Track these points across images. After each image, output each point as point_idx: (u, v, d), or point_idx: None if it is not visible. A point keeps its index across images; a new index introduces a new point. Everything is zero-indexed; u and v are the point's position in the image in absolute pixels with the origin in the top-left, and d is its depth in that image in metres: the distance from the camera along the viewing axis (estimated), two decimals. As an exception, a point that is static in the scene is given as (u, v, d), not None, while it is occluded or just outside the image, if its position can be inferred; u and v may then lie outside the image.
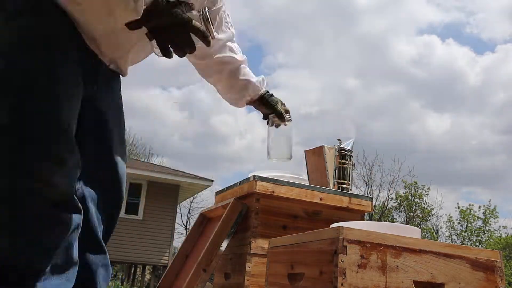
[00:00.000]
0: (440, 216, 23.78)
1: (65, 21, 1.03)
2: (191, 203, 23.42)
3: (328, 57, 34.16)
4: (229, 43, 1.59)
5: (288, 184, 1.94)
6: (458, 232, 21.11)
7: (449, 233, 21.14)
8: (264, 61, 38.23)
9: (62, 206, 0.96)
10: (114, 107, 1.24)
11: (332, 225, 1.27)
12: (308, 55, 33.98)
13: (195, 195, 19.14)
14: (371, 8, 31.66)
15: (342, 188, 2.12)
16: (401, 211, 19.87)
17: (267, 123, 1.74)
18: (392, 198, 19.61)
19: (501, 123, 29.71)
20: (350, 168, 2.18)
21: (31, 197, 0.91)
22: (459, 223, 21.23)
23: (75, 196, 1.01)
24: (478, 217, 20.93)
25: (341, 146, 2.20)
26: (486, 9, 32.93)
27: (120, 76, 1.29)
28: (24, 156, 0.90)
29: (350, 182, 2.17)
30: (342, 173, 2.15)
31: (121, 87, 1.30)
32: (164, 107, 38.04)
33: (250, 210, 1.90)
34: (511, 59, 31.29)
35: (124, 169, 1.25)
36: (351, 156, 2.20)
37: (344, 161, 2.17)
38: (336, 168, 2.16)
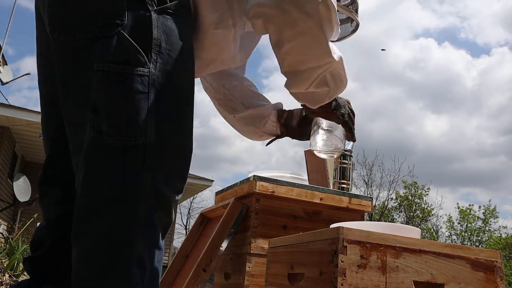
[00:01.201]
0: (440, 216, 23.82)
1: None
2: (191, 203, 23.44)
3: None
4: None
5: (288, 184, 1.94)
6: (458, 232, 21.12)
7: (449, 233, 21.17)
8: (262, 64, 38.47)
9: None
10: None
11: (332, 225, 1.27)
12: None
13: (195, 195, 19.14)
14: (367, 13, 31.90)
15: (342, 188, 2.12)
16: (401, 211, 19.88)
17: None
18: (392, 198, 19.63)
19: (498, 125, 29.85)
20: (350, 168, 2.18)
21: None
22: (459, 223, 21.26)
23: None
24: (478, 217, 20.95)
25: None
26: (479, 15, 33.41)
27: None
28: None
29: (350, 182, 2.17)
30: (342, 173, 2.15)
31: None
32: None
33: (250, 210, 1.90)
34: (507, 61, 31.63)
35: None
36: (351, 156, 2.20)
37: (344, 161, 2.17)
38: (336, 168, 2.16)
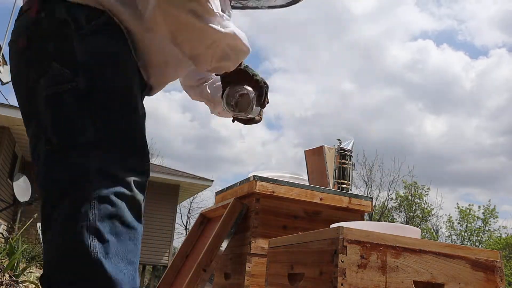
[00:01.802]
0: (440, 216, 23.82)
1: (129, 47, 1.08)
2: (191, 203, 23.42)
3: (325, 62, 34.75)
4: None
5: (288, 184, 1.94)
6: (458, 232, 21.12)
7: (449, 233, 21.16)
8: (261, 67, 38.85)
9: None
10: None
11: (332, 225, 1.27)
12: (305, 61, 34.58)
13: (195, 195, 19.13)
14: (366, 15, 32.16)
15: (342, 188, 2.12)
16: (401, 211, 19.88)
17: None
18: (392, 198, 19.63)
19: (497, 125, 29.95)
20: (350, 168, 2.18)
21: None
22: (459, 223, 21.25)
23: None
24: (477, 217, 20.94)
25: (341, 146, 2.20)
26: (476, 17, 33.73)
27: None
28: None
29: (350, 182, 2.17)
30: (342, 173, 2.15)
31: None
32: (167, 110, 38.21)
33: (250, 210, 1.90)
34: (504, 63, 31.92)
35: None
36: (351, 156, 2.20)
37: (344, 161, 2.17)
38: (336, 168, 2.16)
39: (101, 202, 0.90)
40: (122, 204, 0.93)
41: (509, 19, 32.27)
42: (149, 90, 1.20)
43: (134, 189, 0.96)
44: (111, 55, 1.02)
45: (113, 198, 0.92)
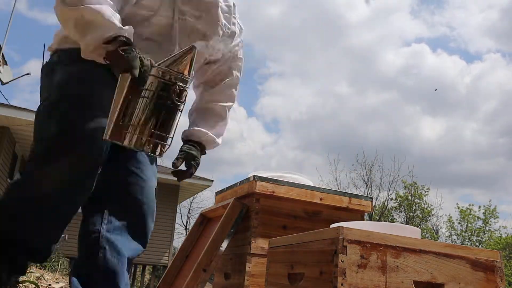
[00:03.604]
0: (440, 216, 23.85)
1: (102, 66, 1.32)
2: (191, 203, 23.40)
3: (321, 67, 35.05)
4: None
5: (288, 184, 1.94)
6: (458, 232, 21.11)
7: (449, 233, 21.16)
8: (258, 71, 39.07)
9: None
10: None
11: (332, 225, 1.27)
12: (301, 65, 34.87)
13: (195, 195, 19.13)
14: (362, 22, 32.50)
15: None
16: (401, 211, 19.87)
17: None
18: (392, 199, 19.63)
19: (497, 127, 30.06)
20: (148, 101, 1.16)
21: None
22: (459, 223, 21.25)
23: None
24: (478, 217, 20.94)
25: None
26: (466, 25, 34.17)
27: None
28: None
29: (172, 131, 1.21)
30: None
31: None
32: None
33: (250, 210, 1.90)
34: (498, 67, 32.18)
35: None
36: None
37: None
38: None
39: None
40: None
41: (498, 26, 32.61)
42: None
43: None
44: (77, 73, 1.35)
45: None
